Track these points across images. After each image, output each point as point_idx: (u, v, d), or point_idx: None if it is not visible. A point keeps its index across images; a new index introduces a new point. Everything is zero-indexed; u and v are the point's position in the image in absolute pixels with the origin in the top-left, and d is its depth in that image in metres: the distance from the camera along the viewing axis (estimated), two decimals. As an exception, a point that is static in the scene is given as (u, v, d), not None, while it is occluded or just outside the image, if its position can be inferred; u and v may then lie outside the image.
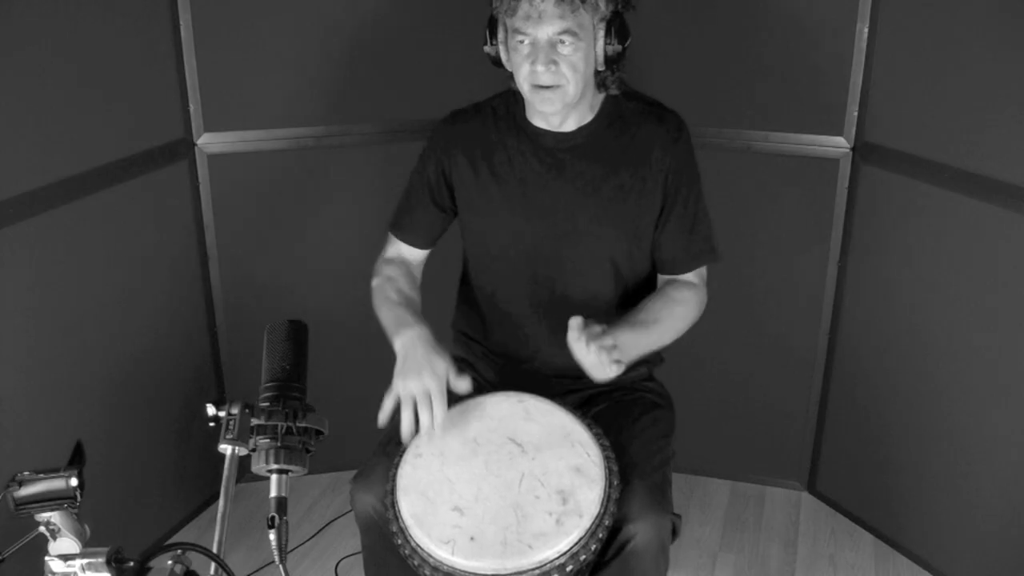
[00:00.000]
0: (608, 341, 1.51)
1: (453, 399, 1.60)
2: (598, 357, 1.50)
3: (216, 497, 1.19)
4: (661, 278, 1.83)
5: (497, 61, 1.72)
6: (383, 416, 1.56)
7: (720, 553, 2.52)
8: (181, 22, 2.31)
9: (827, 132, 2.36)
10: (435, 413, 1.52)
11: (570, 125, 1.75)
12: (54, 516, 1.18)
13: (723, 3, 2.37)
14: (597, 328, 1.54)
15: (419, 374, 1.54)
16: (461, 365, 1.65)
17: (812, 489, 2.74)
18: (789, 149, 2.41)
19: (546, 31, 1.60)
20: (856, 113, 2.31)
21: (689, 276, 1.81)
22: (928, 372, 2.30)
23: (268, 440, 1.22)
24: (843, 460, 2.62)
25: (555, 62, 1.61)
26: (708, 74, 2.43)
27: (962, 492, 2.28)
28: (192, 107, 2.39)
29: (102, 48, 2.14)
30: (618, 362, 1.50)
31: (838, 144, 2.36)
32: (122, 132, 2.23)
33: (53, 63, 2.02)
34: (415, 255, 1.88)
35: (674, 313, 1.74)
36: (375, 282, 1.82)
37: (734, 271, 2.50)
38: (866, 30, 2.23)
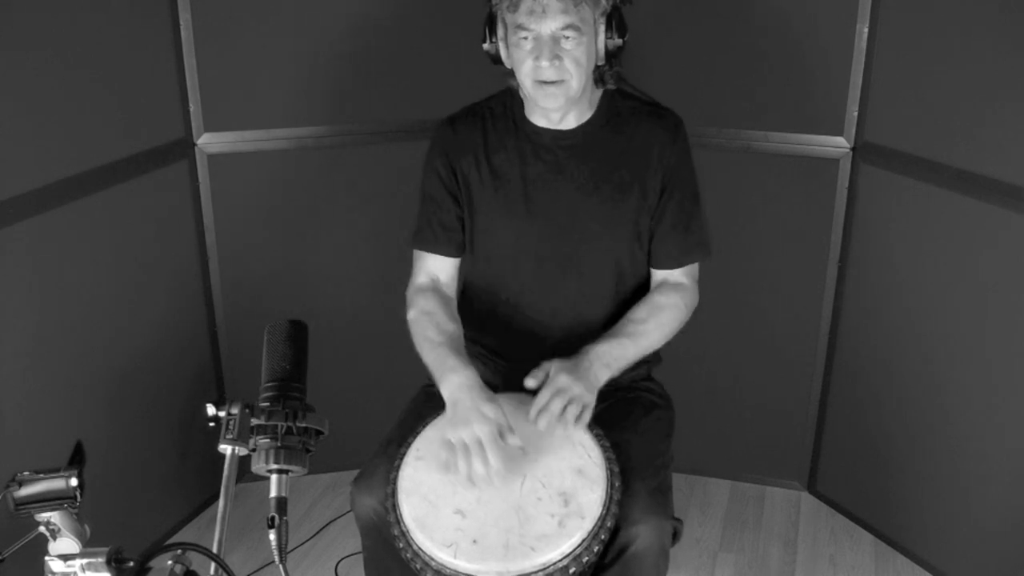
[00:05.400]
0: (567, 396, 1.56)
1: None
2: (556, 410, 1.55)
3: (216, 497, 1.20)
4: (654, 276, 1.83)
5: (496, 59, 1.72)
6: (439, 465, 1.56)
7: (720, 553, 2.52)
8: (181, 22, 2.31)
9: (827, 132, 2.36)
10: (489, 460, 1.49)
11: (570, 122, 1.76)
12: (54, 516, 1.18)
13: (723, 3, 2.37)
14: (563, 380, 1.57)
15: (468, 423, 1.52)
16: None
17: (812, 489, 2.73)
18: (789, 149, 2.41)
19: (550, 26, 1.60)
20: (856, 113, 2.31)
21: (679, 275, 1.81)
22: (928, 372, 2.30)
23: (268, 440, 1.22)
24: (843, 460, 2.62)
25: (559, 57, 1.62)
26: (708, 74, 2.43)
27: (962, 492, 2.28)
28: (192, 107, 2.39)
29: (102, 48, 2.14)
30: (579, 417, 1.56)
31: (838, 144, 2.36)
32: (122, 132, 2.23)
33: (53, 63, 2.02)
34: (446, 269, 1.83)
35: (660, 320, 1.75)
36: (411, 315, 1.77)
37: (734, 271, 2.51)
38: (866, 30, 2.23)
